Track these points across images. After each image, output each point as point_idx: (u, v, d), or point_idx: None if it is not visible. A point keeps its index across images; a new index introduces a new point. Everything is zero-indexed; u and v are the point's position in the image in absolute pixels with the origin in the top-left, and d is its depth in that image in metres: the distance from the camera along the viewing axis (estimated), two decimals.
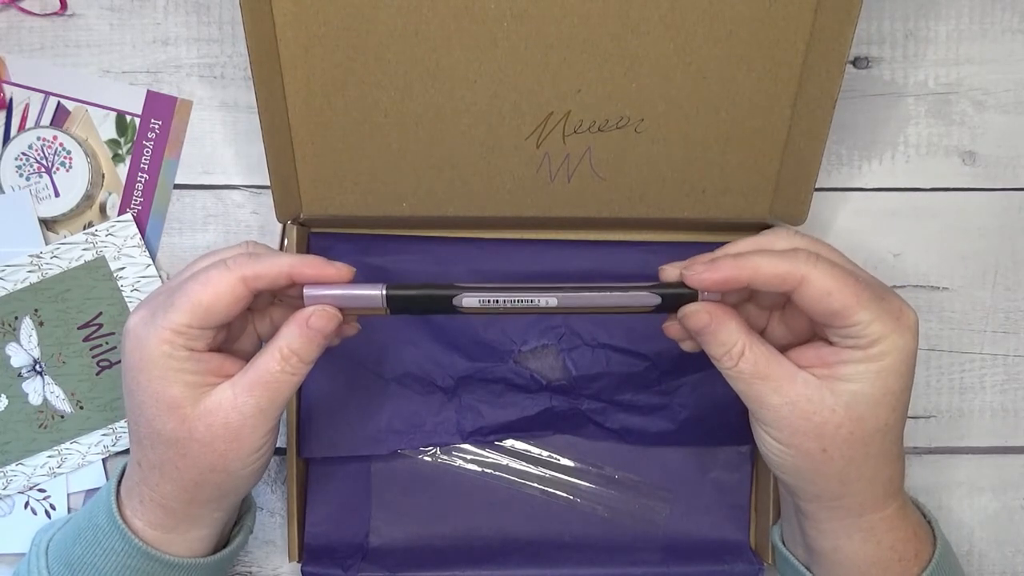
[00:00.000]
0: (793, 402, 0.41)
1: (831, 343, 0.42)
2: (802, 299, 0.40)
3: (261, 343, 0.47)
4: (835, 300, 0.40)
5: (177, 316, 0.40)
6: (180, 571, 0.44)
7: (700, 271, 0.41)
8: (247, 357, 0.44)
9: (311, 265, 0.42)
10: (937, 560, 0.45)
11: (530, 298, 0.42)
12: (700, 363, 0.54)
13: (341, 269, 0.43)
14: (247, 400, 0.41)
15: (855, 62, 0.56)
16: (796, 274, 0.40)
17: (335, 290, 0.42)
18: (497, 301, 0.42)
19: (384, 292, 0.42)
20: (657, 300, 0.43)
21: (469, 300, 0.42)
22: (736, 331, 0.41)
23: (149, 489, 0.43)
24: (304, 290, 0.42)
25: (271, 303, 0.46)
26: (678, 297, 0.43)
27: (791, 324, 0.45)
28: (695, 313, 0.42)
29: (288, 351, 0.41)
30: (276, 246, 0.54)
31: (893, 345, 0.40)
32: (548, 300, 0.42)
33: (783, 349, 0.44)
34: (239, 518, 0.49)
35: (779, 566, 0.51)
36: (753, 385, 0.41)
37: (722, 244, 0.53)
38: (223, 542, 0.48)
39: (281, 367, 0.41)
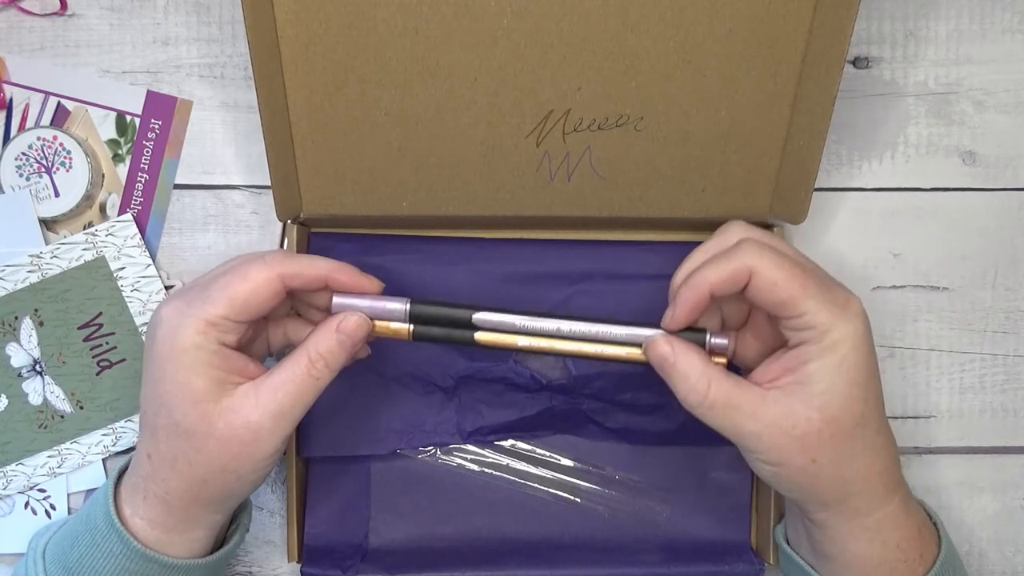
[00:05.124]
0: (770, 423, 0.41)
1: (791, 348, 0.42)
2: (752, 292, 0.41)
3: (270, 353, 0.48)
4: (781, 290, 0.40)
5: (214, 307, 0.41)
6: (178, 572, 0.44)
7: (668, 318, 0.43)
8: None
9: (347, 273, 0.44)
10: (942, 561, 0.45)
11: (546, 325, 0.44)
12: None
13: (373, 281, 0.45)
14: (271, 401, 0.41)
15: (855, 62, 0.56)
16: (744, 268, 0.41)
17: (363, 301, 0.44)
18: (515, 324, 0.44)
19: (408, 307, 0.44)
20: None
21: (487, 317, 0.44)
22: (699, 361, 0.42)
23: (155, 484, 0.43)
24: (333, 298, 0.44)
25: (288, 314, 0.47)
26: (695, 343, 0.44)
27: (759, 335, 0.46)
28: (655, 343, 0.43)
29: (316, 355, 0.42)
30: (276, 246, 0.54)
31: (844, 333, 0.41)
32: (563, 326, 0.44)
33: (755, 366, 0.45)
34: (235, 517, 0.49)
35: (783, 565, 0.51)
36: (727, 416, 0.41)
37: None
38: (219, 543, 0.48)
39: (308, 370, 0.42)
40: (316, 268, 0.43)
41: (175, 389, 0.41)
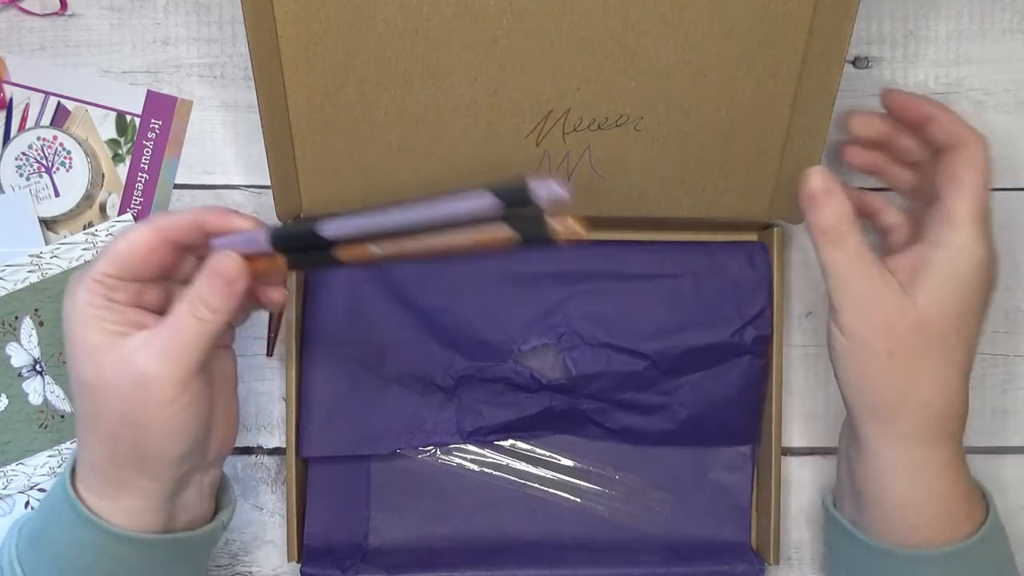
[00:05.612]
0: (873, 296, 0.43)
1: (923, 244, 0.44)
2: (949, 157, 0.45)
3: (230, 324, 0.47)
4: (971, 174, 0.44)
5: (99, 265, 0.42)
6: (124, 543, 0.43)
7: (890, 93, 0.49)
8: None
9: (216, 215, 0.44)
10: (989, 525, 0.45)
11: (383, 219, 0.40)
12: (701, 363, 0.54)
13: (247, 219, 0.44)
14: (160, 344, 0.41)
15: (855, 62, 0.56)
16: (964, 137, 0.45)
17: (231, 238, 0.43)
18: (356, 224, 0.40)
19: (267, 232, 0.42)
20: (497, 202, 0.38)
21: (330, 224, 0.41)
22: (847, 207, 0.43)
23: (82, 448, 0.44)
24: (211, 241, 0.44)
25: None
26: (520, 199, 0.37)
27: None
28: (817, 173, 0.44)
29: (195, 296, 0.42)
30: None
31: (974, 252, 0.44)
32: (397, 216, 0.39)
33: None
34: (216, 511, 0.48)
35: (827, 534, 0.50)
36: (844, 271, 0.43)
37: (722, 243, 0.54)
38: (193, 527, 0.46)
39: (190, 311, 0.42)
40: (187, 216, 0.43)
41: (75, 345, 0.42)
